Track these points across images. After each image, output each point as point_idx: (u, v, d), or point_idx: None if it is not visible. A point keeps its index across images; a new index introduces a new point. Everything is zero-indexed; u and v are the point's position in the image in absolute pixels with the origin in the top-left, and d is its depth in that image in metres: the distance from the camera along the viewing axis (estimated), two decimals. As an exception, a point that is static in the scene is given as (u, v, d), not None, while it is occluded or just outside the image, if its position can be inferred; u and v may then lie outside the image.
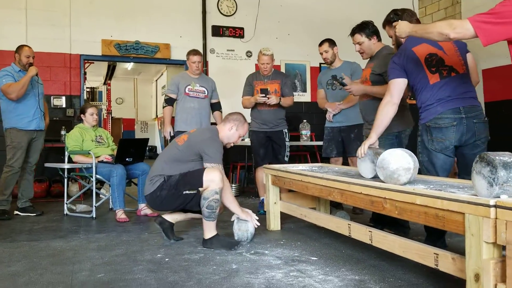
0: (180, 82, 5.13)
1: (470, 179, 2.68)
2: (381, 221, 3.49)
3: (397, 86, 2.83)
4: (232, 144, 3.57)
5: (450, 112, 2.71)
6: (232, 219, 3.47)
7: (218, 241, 3.21)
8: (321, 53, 4.67)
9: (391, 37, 3.14)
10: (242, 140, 4.07)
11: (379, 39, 3.68)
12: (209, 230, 3.22)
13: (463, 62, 2.83)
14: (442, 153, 2.78)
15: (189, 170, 3.27)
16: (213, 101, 5.31)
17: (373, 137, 2.83)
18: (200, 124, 5.08)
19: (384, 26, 3.23)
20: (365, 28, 3.63)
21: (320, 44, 4.69)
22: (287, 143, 4.86)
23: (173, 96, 5.14)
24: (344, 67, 4.62)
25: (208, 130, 3.45)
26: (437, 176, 2.79)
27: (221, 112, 5.43)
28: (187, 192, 3.19)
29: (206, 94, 5.18)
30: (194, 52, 5.20)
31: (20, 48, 4.75)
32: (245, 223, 3.39)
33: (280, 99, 4.71)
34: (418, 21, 2.94)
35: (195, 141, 3.34)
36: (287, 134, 4.88)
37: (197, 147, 3.31)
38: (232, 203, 3.37)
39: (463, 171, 2.87)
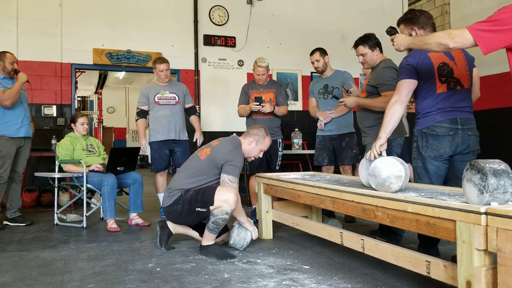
0: (150, 93, 5.10)
1: (458, 186, 2.74)
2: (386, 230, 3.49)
3: (407, 87, 2.78)
4: (253, 158, 3.56)
5: (448, 121, 2.75)
6: (233, 224, 3.46)
7: (213, 249, 3.21)
8: (313, 62, 4.70)
9: (399, 50, 3.10)
10: None
11: (381, 51, 3.78)
12: (208, 239, 3.23)
13: (469, 77, 2.86)
14: (436, 160, 2.80)
15: (205, 187, 3.27)
16: (187, 105, 5.28)
17: (382, 138, 2.77)
18: (175, 131, 5.05)
19: (398, 25, 3.17)
20: (368, 40, 3.74)
21: (312, 53, 4.72)
22: (280, 153, 4.86)
23: (144, 108, 5.12)
24: (335, 76, 4.65)
25: (231, 143, 3.41)
26: (431, 183, 2.81)
27: (198, 115, 5.42)
28: (199, 209, 3.19)
29: (177, 100, 5.15)
30: (160, 60, 5.15)
31: (2, 55, 4.67)
32: (245, 231, 3.38)
33: (274, 107, 4.73)
34: (433, 25, 2.88)
35: (218, 155, 3.31)
36: (280, 143, 4.89)
37: (220, 161, 3.29)
38: (239, 213, 3.37)
39: (451, 179, 2.90)
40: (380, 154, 2.74)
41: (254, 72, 4.84)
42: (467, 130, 2.78)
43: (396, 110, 2.77)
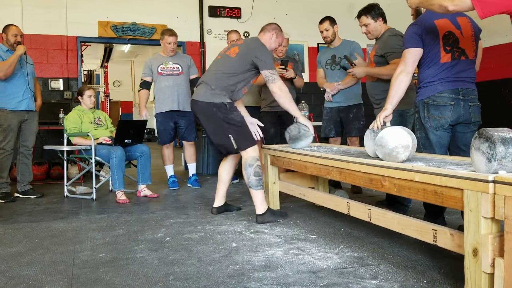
0: (153, 64, 5.13)
1: (457, 155, 2.75)
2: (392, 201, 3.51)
3: (412, 56, 2.75)
4: (272, 52, 3.66)
5: (449, 91, 2.74)
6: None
7: (272, 213, 3.39)
8: (321, 31, 4.62)
9: (411, 7, 3.08)
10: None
11: (385, 21, 3.76)
12: (261, 203, 3.37)
13: (474, 48, 2.83)
14: (437, 130, 2.81)
15: (247, 130, 3.40)
16: (192, 76, 5.29)
17: (388, 109, 2.75)
18: (178, 102, 5.10)
19: None
20: (371, 10, 3.71)
21: (321, 22, 4.62)
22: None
23: (148, 79, 5.15)
24: (343, 46, 4.60)
25: (256, 40, 3.51)
26: (434, 152, 2.82)
27: None
28: (231, 137, 3.30)
29: (180, 71, 5.16)
30: (170, 32, 5.15)
31: (7, 27, 4.66)
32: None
33: (295, 75, 4.77)
34: None
35: (248, 50, 3.39)
36: None
37: (250, 55, 3.36)
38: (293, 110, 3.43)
39: (452, 149, 2.93)
40: (384, 125, 2.74)
41: None
42: (468, 101, 2.77)
43: (402, 80, 2.74)
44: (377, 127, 2.71)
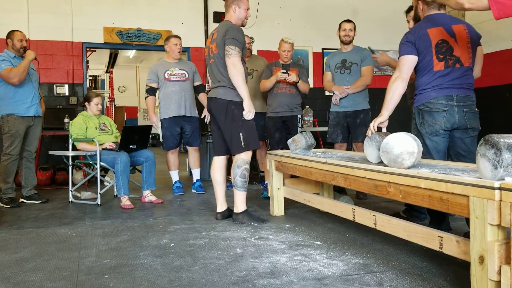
0: (159, 70, 5.15)
1: (458, 160, 2.75)
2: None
3: (407, 63, 2.81)
4: (246, 20, 3.69)
5: (442, 98, 2.77)
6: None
7: (249, 215, 3.49)
8: (344, 29, 4.65)
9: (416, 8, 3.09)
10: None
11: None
12: (241, 203, 3.50)
13: (470, 55, 2.83)
14: (433, 135, 2.82)
15: (255, 129, 3.55)
16: (196, 83, 5.33)
17: (384, 115, 2.79)
18: (185, 107, 5.12)
19: None
20: (411, 9, 3.72)
21: (348, 21, 4.68)
22: (299, 129, 4.89)
23: (154, 85, 5.17)
24: (354, 52, 4.63)
25: (222, 24, 3.58)
26: (432, 157, 2.83)
27: (207, 93, 5.44)
28: (241, 135, 3.44)
29: (187, 77, 5.20)
30: (173, 35, 5.30)
31: (11, 33, 4.68)
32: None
33: (299, 79, 4.78)
34: None
35: (220, 39, 3.46)
36: (300, 119, 4.93)
37: (223, 42, 3.44)
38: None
39: (453, 155, 2.93)
40: (380, 130, 2.75)
41: (280, 49, 4.88)
42: (463, 107, 2.78)
43: (397, 87, 2.79)
44: (371, 132, 2.74)
